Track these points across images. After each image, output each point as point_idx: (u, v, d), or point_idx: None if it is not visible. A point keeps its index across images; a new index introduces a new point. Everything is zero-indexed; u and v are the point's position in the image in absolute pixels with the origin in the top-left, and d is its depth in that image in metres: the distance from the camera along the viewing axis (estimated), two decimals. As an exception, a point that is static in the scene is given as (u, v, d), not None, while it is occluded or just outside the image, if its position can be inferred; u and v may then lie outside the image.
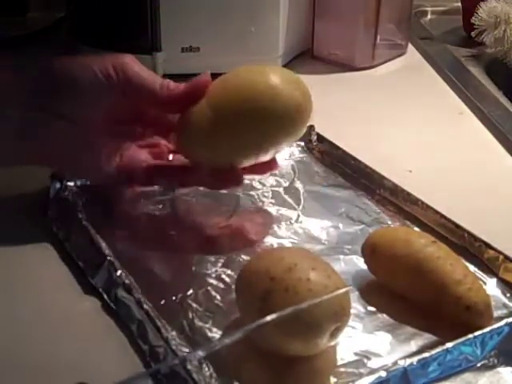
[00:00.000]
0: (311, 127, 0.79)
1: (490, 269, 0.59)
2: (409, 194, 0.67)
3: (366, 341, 0.52)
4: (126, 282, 0.54)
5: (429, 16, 1.32)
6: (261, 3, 0.96)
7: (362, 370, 0.49)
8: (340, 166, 0.75)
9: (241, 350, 0.50)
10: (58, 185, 0.66)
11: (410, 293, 0.54)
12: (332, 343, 0.49)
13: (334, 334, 0.48)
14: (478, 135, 0.87)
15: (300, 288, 0.47)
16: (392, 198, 0.69)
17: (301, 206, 0.68)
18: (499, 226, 0.66)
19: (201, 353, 0.47)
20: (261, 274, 0.49)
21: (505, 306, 0.55)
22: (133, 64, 0.62)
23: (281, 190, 0.71)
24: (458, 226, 0.62)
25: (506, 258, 0.58)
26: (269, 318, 0.46)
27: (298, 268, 0.49)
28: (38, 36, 1.12)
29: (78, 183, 0.68)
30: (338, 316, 0.48)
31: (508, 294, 0.57)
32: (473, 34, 1.11)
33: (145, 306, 0.52)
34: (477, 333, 0.49)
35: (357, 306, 0.54)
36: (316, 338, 0.48)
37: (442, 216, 0.64)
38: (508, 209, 0.71)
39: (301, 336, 0.48)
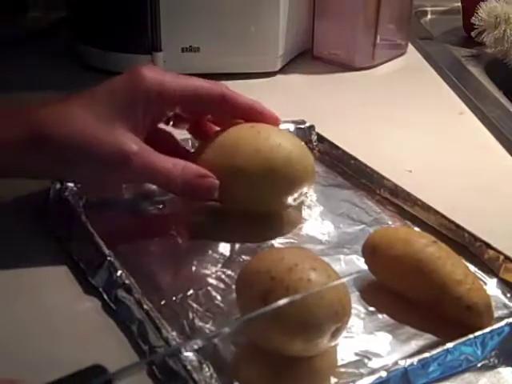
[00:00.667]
0: (311, 127, 0.79)
1: (490, 269, 0.59)
2: (409, 194, 0.67)
3: (366, 341, 0.51)
4: (127, 282, 0.54)
5: (429, 16, 1.32)
6: (261, 3, 0.96)
7: (362, 370, 0.49)
8: (340, 166, 0.75)
9: (241, 350, 0.50)
10: (58, 185, 0.66)
11: (411, 293, 0.54)
12: (332, 343, 0.49)
13: (334, 335, 0.48)
14: (477, 135, 0.87)
15: (301, 288, 0.47)
16: (392, 198, 0.69)
17: (301, 206, 0.68)
18: (499, 225, 0.66)
19: (196, 342, 0.46)
20: (261, 274, 0.49)
21: (505, 306, 0.55)
22: (142, 156, 0.60)
23: (281, 190, 0.71)
24: (458, 226, 0.62)
25: (507, 258, 0.58)
26: (263, 310, 0.46)
27: (299, 268, 0.48)
28: (38, 36, 1.12)
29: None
30: (338, 316, 0.48)
31: (508, 295, 0.57)
32: (473, 34, 1.11)
33: (145, 307, 0.52)
34: (477, 333, 0.49)
35: (357, 307, 0.54)
36: (317, 338, 0.47)
37: (443, 216, 0.64)
38: (508, 209, 0.70)
39: (302, 336, 0.47)
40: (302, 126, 0.79)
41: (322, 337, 0.48)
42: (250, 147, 0.62)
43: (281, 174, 0.62)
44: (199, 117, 0.68)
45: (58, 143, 0.58)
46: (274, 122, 0.66)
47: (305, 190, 0.65)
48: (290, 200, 0.64)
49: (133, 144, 0.59)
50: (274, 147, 0.62)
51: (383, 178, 0.70)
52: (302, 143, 0.66)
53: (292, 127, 0.78)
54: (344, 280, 0.50)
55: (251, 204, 0.64)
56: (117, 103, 0.60)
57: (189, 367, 0.46)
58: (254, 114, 0.65)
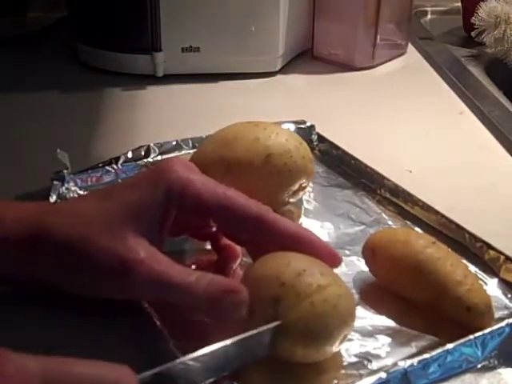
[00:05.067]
0: (312, 127, 0.79)
1: (491, 269, 0.59)
2: (410, 194, 0.67)
3: (366, 343, 0.51)
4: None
5: (429, 16, 1.32)
6: (261, 3, 0.96)
7: (362, 372, 0.49)
8: (341, 166, 0.75)
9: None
10: (58, 185, 0.66)
11: (411, 294, 0.54)
12: (338, 349, 0.49)
13: (342, 341, 0.49)
14: (477, 135, 0.86)
15: (313, 295, 0.47)
16: (393, 199, 0.69)
17: (301, 207, 0.68)
18: (499, 225, 0.66)
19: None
20: (269, 280, 0.48)
21: (506, 306, 0.55)
22: (150, 265, 0.49)
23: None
24: (458, 227, 0.62)
25: (507, 258, 0.58)
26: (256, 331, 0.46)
27: (307, 274, 0.48)
28: (38, 36, 1.12)
29: (79, 183, 0.68)
30: (348, 324, 0.48)
31: (509, 295, 0.56)
32: (473, 34, 1.11)
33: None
34: (477, 334, 0.49)
35: (357, 308, 0.53)
36: (328, 346, 0.48)
37: (443, 216, 0.64)
38: (508, 209, 0.70)
39: (314, 346, 0.47)
40: (303, 126, 0.79)
41: (333, 345, 0.48)
42: (249, 136, 0.64)
43: (279, 162, 0.63)
44: (225, 234, 0.57)
45: (55, 243, 0.50)
46: (330, 258, 0.53)
47: (304, 182, 0.65)
48: (289, 192, 0.65)
49: (140, 250, 0.50)
50: (271, 135, 0.64)
51: (384, 178, 0.70)
52: (299, 136, 0.67)
53: (292, 127, 0.78)
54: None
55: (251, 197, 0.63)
56: (131, 200, 0.51)
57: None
58: (300, 245, 0.52)
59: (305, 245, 0.52)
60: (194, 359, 0.45)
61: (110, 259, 0.49)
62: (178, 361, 0.44)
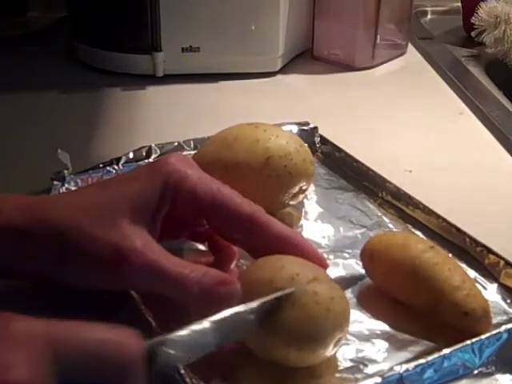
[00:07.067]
0: (315, 129, 0.79)
1: (491, 274, 0.59)
2: (411, 197, 0.67)
3: (362, 347, 0.51)
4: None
5: (429, 16, 1.32)
6: (261, 3, 0.96)
7: (357, 376, 0.49)
8: (342, 169, 0.75)
9: (239, 355, 0.50)
10: (59, 186, 0.66)
11: (408, 299, 0.54)
12: (333, 352, 0.49)
13: (336, 344, 0.48)
14: (477, 135, 0.87)
15: (306, 299, 0.47)
16: (394, 202, 0.68)
17: (302, 209, 0.68)
18: (499, 226, 0.66)
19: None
20: (262, 284, 0.48)
21: (505, 312, 0.55)
22: (144, 254, 0.49)
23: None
24: (459, 230, 0.62)
25: (507, 263, 0.58)
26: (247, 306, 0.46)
27: (301, 277, 0.48)
28: (37, 36, 1.12)
29: (80, 184, 0.68)
30: (342, 327, 0.48)
31: (508, 300, 0.56)
32: (473, 34, 1.11)
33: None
34: (474, 339, 0.49)
35: (354, 312, 0.54)
36: (322, 349, 0.48)
37: (444, 220, 0.63)
38: (508, 209, 0.70)
39: (308, 349, 0.47)
40: (306, 128, 0.79)
41: (326, 348, 0.48)
42: (250, 138, 0.64)
43: (279, 164, 0.63)
44: (218, 232, 0.57)
45: (49, 232, 0.50)
46: (317, 263, 0.53)
47: (304, 185, 0.65)
48: (289, 195, 0.65)
49: (135, 239, 0.49)
50: (272, 137, 0.64)
51: (385, 181, 0.70)
52: (299, 139, 0.67)
53: (295, 129, 0.78)
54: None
55: (250, 199, 0.63)
56: (128, 190, 0.52)
57: (182, 371, 0.46)
58: (289, 247, 0.53)
59: (293, 247, 0.53)
60: (179, 337, 0.44)
61: (104, 247, 0.49)
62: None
